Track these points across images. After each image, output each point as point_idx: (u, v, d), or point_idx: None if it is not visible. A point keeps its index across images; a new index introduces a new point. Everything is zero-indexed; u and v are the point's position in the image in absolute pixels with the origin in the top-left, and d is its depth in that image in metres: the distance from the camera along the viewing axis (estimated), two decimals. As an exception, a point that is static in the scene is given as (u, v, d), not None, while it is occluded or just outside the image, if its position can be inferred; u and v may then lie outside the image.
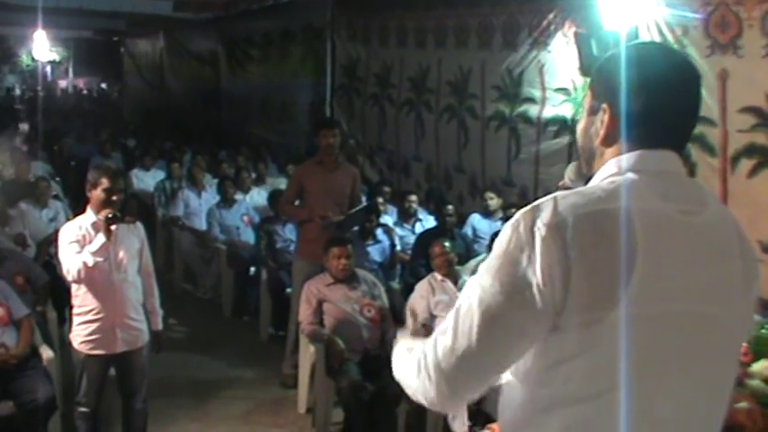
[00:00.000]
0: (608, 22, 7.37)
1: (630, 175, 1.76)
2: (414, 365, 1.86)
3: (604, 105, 1.83)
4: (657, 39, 6.94)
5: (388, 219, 9.13)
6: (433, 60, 10.74)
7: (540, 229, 1.67)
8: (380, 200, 9.28)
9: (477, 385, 1.83)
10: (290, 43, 14.90)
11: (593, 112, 1.89)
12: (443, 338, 1.78)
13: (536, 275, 1.66)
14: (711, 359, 1.77)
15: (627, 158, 1.79)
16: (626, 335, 1.65)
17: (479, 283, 1.74)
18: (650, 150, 1.79)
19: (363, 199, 7.92)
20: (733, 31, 6.36)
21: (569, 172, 2.33)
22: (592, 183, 1.84)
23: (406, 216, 9.19)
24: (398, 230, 8.84)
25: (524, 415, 1.80)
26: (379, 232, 8.37)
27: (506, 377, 1.86)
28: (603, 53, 7.76)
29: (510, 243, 1.71)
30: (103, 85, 38.71)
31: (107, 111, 29.11)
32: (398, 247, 8.56)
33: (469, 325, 1.73)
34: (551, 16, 8.52)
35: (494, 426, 3.81)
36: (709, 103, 6.32)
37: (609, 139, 1.83)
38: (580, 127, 1.95)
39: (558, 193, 1.74)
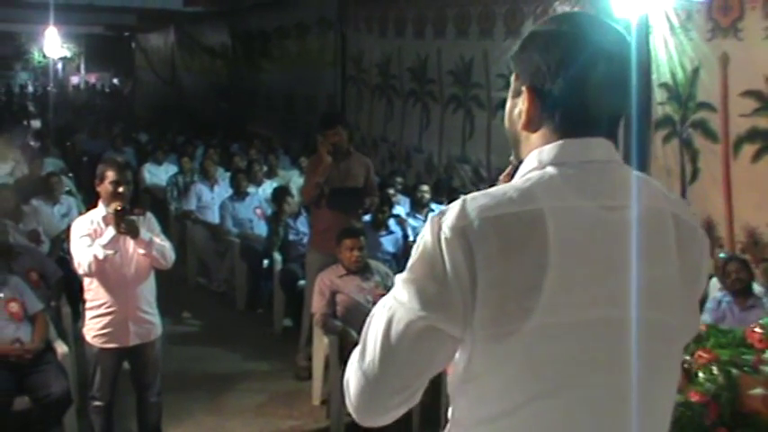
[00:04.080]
0: (618, 9, 7.33)
1: (549, 170, 1.60)
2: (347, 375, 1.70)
3: (524, 87, 1.67)
4: (664, 24, 6.91)
5: (401, 209, 9.11)
6: (432, 50, 10.76)
7: (446, 233, 1.53)
8: (392, 191, 9.25)
9: (391, 405, 1.65)
10: (305, 36, 14.90)
11: (516, 94, 1.72)
12: (356, 352, 1.66)
13: (440, 283, 1.53)
14: (646, 367, 1.60)
15: (548, 150, 1.63)
16: (539, 347, 1.53)
17: (392, 292, 1.62)
18: (574, 139, 1.63)
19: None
20: (735, 14, 6.31)
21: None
22: (515, 177, 1.68)
23: (418, 206, 9.18)
24: (411, 221, 8.82)
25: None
26: (392, 223, 8.37)
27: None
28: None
29: (420, 249, 1.58)
30: (115, 81, 38.76)
31: (119, 106, 29.15)
32: (411, 238, 8.55)
33: (374, 338, 1.60)
34: (557, 4, 8.48)
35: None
36: (709, 87, 6.28)
37: (532, 125, 1.67)
38: (506, 110, 1.77)
39: (468, 195, 1.58)
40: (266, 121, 16.51)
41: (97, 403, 5.14)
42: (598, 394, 1.57)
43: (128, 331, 5.08)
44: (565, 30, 1.65)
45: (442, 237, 1.53)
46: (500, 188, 1.60)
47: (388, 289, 5.65)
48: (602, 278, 1.56)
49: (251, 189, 10.07)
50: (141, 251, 5.01)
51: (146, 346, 5.19)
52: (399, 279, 1.61)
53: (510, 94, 1.75)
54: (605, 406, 1.59)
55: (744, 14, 6.24)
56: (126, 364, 5.29)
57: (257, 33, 17.08)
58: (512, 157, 1.86)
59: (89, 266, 4.84)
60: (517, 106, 1.71)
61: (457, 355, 1.60)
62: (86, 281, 5.07)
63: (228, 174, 10.78)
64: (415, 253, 1.59)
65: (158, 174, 12.54)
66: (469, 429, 1.64)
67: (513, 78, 1.74)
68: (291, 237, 8.62)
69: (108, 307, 5.02)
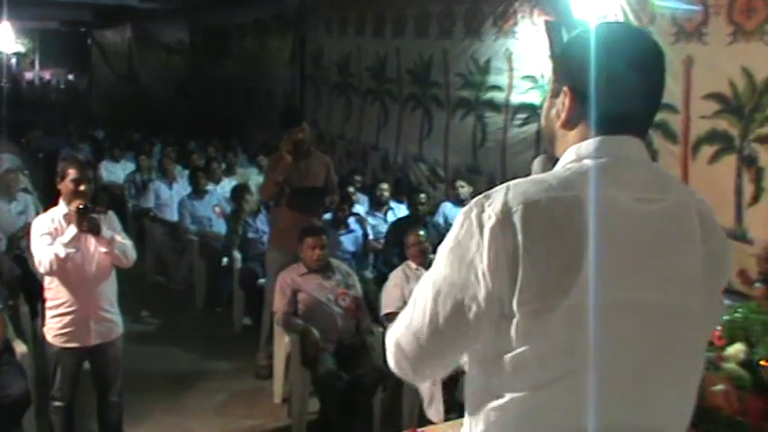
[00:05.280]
0: (578, 10, 7.42)
1: (587, 162, 1.74)
2: (388, 345, 1.89)
3: (565, 88, 1.81)
4: (623, 26, 7.00)
5: (360, 208, 9.12)
6: (391, 49, 10.80)
7: (490, 217, 1.66)
8: (351, 189, 9.26)
9: (436, 365, 1.88)
10: (264, 34, 14.86)
11: (555, 94, 1.86)
12: (402, 319, 1.83)
13: (482, 262, 1.66)
14: (669, 348, 1.75)
15: (586, 145, 1.77)
16: (576, 324, 1.65)
17: (434, 267, 1.76)
18: (610, 136, 1.77)
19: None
20: (699, 18, 6.41)
21: (536, 165, 2.31)
22: (554, 169, 1.82)
23: (377, 205, 9.22)
24: (370, 219, 8.85)
25: (482, 401, 1.79)
26: (352, 221, 8.38)
27: (465, 361, 1.87)
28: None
29: (461, 229, 1.71)
30: (70, 77, 38.31)
31: (74, 102, 28.84)
32: (371, 236, 8.57)
33: (423, 307, 1.76)
34: (517, 4, 8.56)
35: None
36: (672, 89, 6.37)
37: (570, 123, 1.82)
38: (543, 110, 1.93)
39: (511, 182, 1.73)
40: (224, 119, 16.41)
41: (57, 404, 5.10)
42: (625, 371, 1.71)
43: (89, 330, 5.04)
44: (604, 36, 1.80)
45: (486, 222, 1.67)
46: (541, 176, 1.76)
47: (348, 287, 5.67)
48: (632, 263, 1.70)
49: (210, 187, 10.02)
50: (103, 250, 4.97)
51: (107, 345, 5.15)
52: (442, 251, 1.75)
53: (548, 94, 1.89)
54: (631, 383, 1.72)
55: (708, 19, 6.33)
56: (86, 364, 5.24)
57: (216, 30, 17.00)
58: (532, 173, 2.00)
59: (50, 265, 4.79)
60: (555, 106, 1.86)
61: (494, 330, 1.71)
62: (47, 280, 5.03)
63: (187, 171, 10.74)
64: (456, 230, 1.72)
65: (116, 171, 12.47)
66: (501, 400, 1.74)
67: (551, 79, 1.90)
68: (251, 235, 8.60)
69: (69, 306, 4.98)
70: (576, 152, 1.78)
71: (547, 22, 7.94)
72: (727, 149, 6.25)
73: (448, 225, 8.63)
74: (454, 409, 5.96)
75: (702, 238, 1.78)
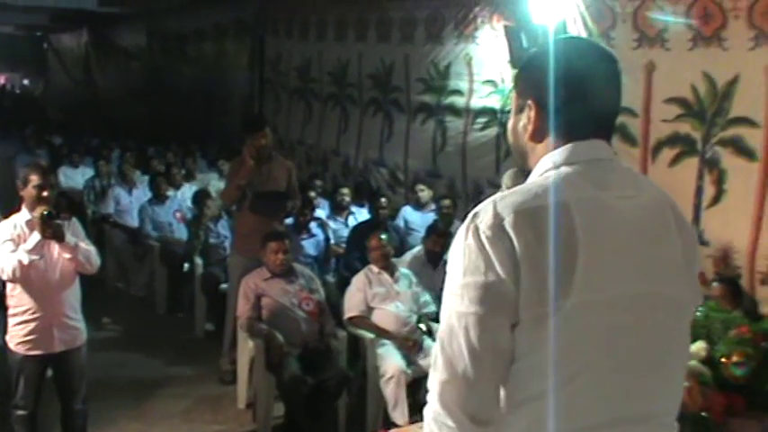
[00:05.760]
0: (536, 16, 7.50)
1: (564, 168, 1.82)
2: (429, 420, 1.80)
3: (530, 102, 1.89)
4: (584, 32, 7.09)
5: (321, 212, 9.14)
6: (353, 54, 10.82)
7: (486, 233, 1.71)
8: (313, 194, 9.27)
9: (492, 399, 1.78)
10: (222, 38, 14.81)
11: (519, 110, 1.94)
12: (439, 376, 1.77)
13: (497, 274, 1.69)
14: (662, 337, 1.84)
15: (559, 153, 1.85)
16: (578, 324, 1.71)
17: (450, 307, 1.76)
18: (580, 142, 1.84)
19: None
20: (660, 24, 6.52)
21: (506, 179, 2.41)
22: (529, 179, 1.88)
23: (338, 209, 9.22)
24: (331, 224, 8.86)
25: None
26: (314, 226, 8.38)
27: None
28: (533, 46, 7.94)
29: (465, 256, 1.74)
30: (25, 82, 37.87)
31: (30, 107, 28.50)
32: (332, 241, 8.58)
33: (459, 349, 1.73)
34: (477, 10, 8.63)
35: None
36: (632, 94, 6.47)
37: (537, 135, 1.89)
38: (509, 125, 2.00)
39: (496, 196, 1.79)
40: (183, 124, 16.32)
41: (20, 412, 5.03)
42: (627, 364, 1.77)
43: (53, 338, 5.00)
44: (563, 50, 1.89)
45: (483, 236, 1.72)
46: (524, 187, 1.81)
47: (312, 292, 5.68)
48: (622, 258, 1.77)
49: (170, 192, 9.98)
50: (67, 256, 4.94)
51: (71, 352, 5.11)
52: (454, 291, 1.76)
53: (513, 111, 1.97)
54: (632, 374, 1.78)
55: (668, 26, 6.44)
56: (49, 372, 5.19)
57: (174, 35, 16.91)
58: (503, 186, 2.05)
59: (13, 272, 4.75)
60: (521, 121, 1.93)
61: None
62: (9, 287, 4.98)
63: (146, 177, 10.68)
64: (459, 260, 1.75)
65: (74, 177, 12.35)
66: (515, 408, 1.76)
67: (513, 97, 1.97)
68: (212, 240, 8.60)
69: (32, 313, 4.94)
70: (552, 160, 1.85)
71: (506, 28, 8.00)
72: (689, 152, 6.37)
73: (408, 229, 8.72)
74: (418, 412, 6.00)
75: (678, 231, 1.88)
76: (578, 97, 1.84)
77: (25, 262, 4.74)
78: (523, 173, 1.98)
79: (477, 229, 1.73)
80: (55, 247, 4.93)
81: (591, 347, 1.73)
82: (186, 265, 8.80)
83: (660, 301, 1.82)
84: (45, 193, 4.87)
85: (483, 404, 1.75)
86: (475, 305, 1.71)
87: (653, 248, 1.82)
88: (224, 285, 7.76)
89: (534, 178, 1.86)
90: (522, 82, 1.95)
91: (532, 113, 1.88)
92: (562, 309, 1.69)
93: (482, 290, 1.71)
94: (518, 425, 1.76)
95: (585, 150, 1.84)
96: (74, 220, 5.21)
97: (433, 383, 1.79)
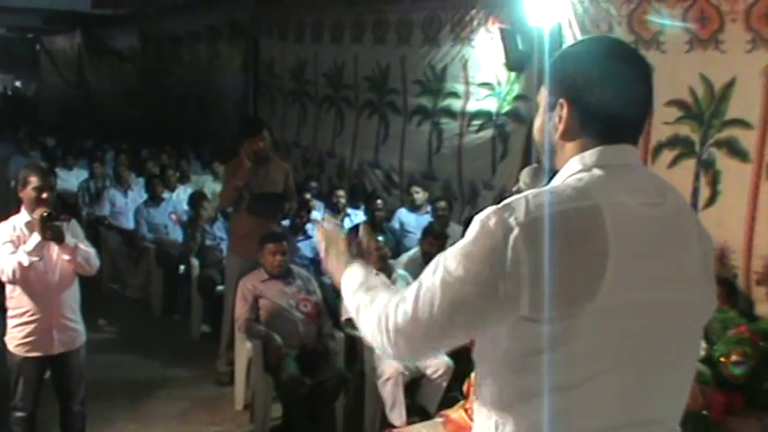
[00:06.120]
0: (532, 18, 7.52)
1: (597, 171, 1.83)
2: (374, 320, 1.91)
3: (562, 100, 1.88)
4: (580, 35, 7.11)
5: (316, 214, 9.14)
6: (349, 56, 10.83)
7: (513, 228, 1.72)
8: (308, 195, 9.28)
9: (432, 351, 1.97)
10: (217, 40, 14.79)
11: (550, 108, 1.93)
12: (404, 305, 1.84)
13: (503, 270, 1.71)
14: (680, 341, 1.87)
15: (590, 155, 1.86)
16: (602, 327, 1.73)
17: (444, 265, 1.80)
18: (611, 145, 1.86)
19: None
20: (656, 27, 6.55)
21: (524, 176, 2.42)
22: (557, 179, 1.90)
23: (334, 211, 9.21)
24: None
25: (511, 402, 1.84)
26: (310, 228, 8.39)
27: (476, 362, 1.94)
28: (528, 48, 7.96)
29: (479, 236, 1.76)
30: (18, 84, 37.77)
31: (22, 109, 28.42)
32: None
33: (430, 301, 1.79)
34: (473, 12, 8.64)
35: (447, 412, 3.90)
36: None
37: (569, 134, 1.89)
38: (537, 123, 2.01)
39: (528, 193, 1.79)
40: (184, 126, 16.30)
41: (19, 414, 5.03)
42: (644, 368, 1.80)
43: (52, 339, 5.00)
44: (596, 49, 1.93)
45: (509, 230, 1.73)
46: (557, 187, 1.84)
47: (309, 293, 5.69)
48: (647, 265, 1.79)
49: (165, 194, 9.98)
50: (66, 257, 4.94)
51: (70, 354, 5.12)
52: (454, 253, 1.79)
53: (541, 109, 1.97)
54: (648, 378, 1.81)
55: (664, 29, 6.47)
56: (48, 373, 5.18)
57: (168, 37, 16.87)
58: (521, 182, 2.08)
59: (13, 274, 4.75)
60: (551, 119, 1.93)
61: (517, 332, 1.78)
62: (8, 288, 4.97)
63: (140, 179, 10.68)
64: (474, 236, 1.77)
65: (69, 179, 12.31)
66: (531, 402, 1.79)
67: (543, 95, 1.96)
68: (208, 242, 8.60)
69: (31, 315, 4.95)
70: (582, 162, 1.86)
71: (502, 30, 8.03)
72: (687, 154, 6.41)
73: (403, 231, 8.73)
74: (414, 414, 6.03)
75: (698, 238, 1.92)
76: (612, 99, 1.85)
77: (25, 263, 4.74)
78: (542, 170, 1.99)
79: (504, 220, 1.74)
80: (54, 249, 4.93)
81: (611, 350, 1.76)
82: (182, 267, 8.80)
83: (680, 307, 1.85)
84: (44, 195, 4.87)
85: (423, 347, 1.90)
86: (465, 280, 1.76)
87: (675, 256, 1.85)
88: (220, 287, 7.76)
89: (564, 178, 1.87)
90: (554, 79, 1.94)
91: (564, 112, 1.88)
92: (587, 311, 1.71)
93: (477, 275, 1.75)
94: (533, 416, 1.79)
95: (616, 154, 1.86)
96: (73, 221, 5.21)
97: (401, 306, 1.85)
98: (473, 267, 1.75)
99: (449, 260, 1.80)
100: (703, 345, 4.54)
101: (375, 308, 1.93)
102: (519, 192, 2.31)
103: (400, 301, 1.86)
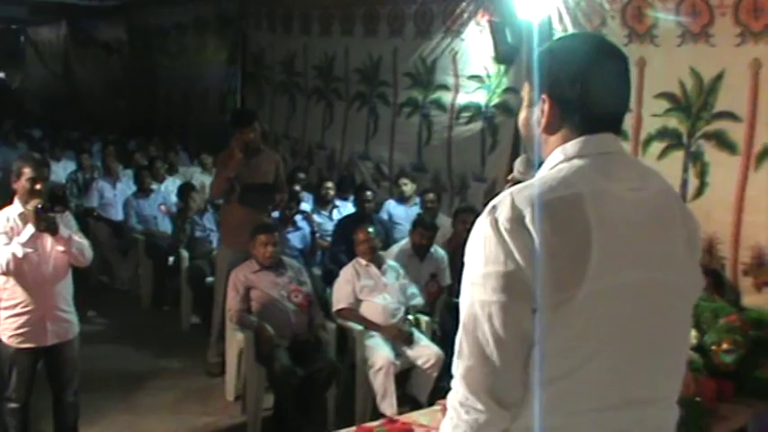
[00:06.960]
0: (521, 12, 7.54)
1: (577, 161, 1.90)
2: (451, 415, 1.87)
3: (544, 95, 1.96)
4: (572, 28, 7.15)
5: (305, 206, 9.16)
6: (340, 48, 10.81)
7: (504, 225, 1.79)
8: (297, 187, 9.29)
9: (517, 383, 1.83)
10: (204, 32, 14.75)
11: (532, 103, 2.01)
12: (465, 362, 1.84)
13: (517, 262, 1.77)
14: (670, 320, 1.93)
15: (571, 146, 1.93)
16: (592, 311, 1.78)
17: (473, 296, 1.83)
18: (591, 135, 1.93)
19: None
20: (650, 21, 6.59)
21: (518, 164, 2.48)
22: (541, 171, 1.95)
23: (323, 203, 9.25)
24: (316, 217, 8.88)
25: None
26: (299, 219, 8.42)
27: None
28: (517, 41, 7.98)
29: (485, 247, 1.81)
30: (1, 75, 37.56)
31: (7, 100, 28.27)
32: (318, 234, 8.61)
33: (484, 336, 1.80)
34: (464, 5, 8.66)
35: (444, 401, 3.92)
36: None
37: (551, 127, 1.97)
38: (521, 118, 2.07)
39: (512, 189, 1.86)
40: (170, 117, 16.25)
41: (12, 405, 5.04)
42: (637, 348, 1.86)
43: (45, 331, 5.02)
44: (577, 46, 1.98)
45: (502, 228, 1.79)
46: (539, 179, 1.89)
47: (300, 284, 5.71)
48: (633, 247, 1.85)
49: (154, 186, 9.99)
50: (60, 249, 4.95)
51: (63, 345, 5.13)
52: (475, 281, 1.82)
53: (524, 104, 2.04)
54: (642, 358, 1.87)
55: (658, 22, 6.51)
56: (41, 364, 5.20)
57: (155, 29, 16.80)
58: (515, 171, 2.15)
59: (7, 265, 4.76)
60: (534, 114, 2.01)
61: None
62: (2, 279, 4.96)
63: (128, 171, 10.67)
64: (479, 251, 1.82)
65: (56, 171, 12.23)
66: (533, 390, 1.82)
67: (526, 90, 2.04)
68: (198, 233, 8.62)
69: (25, 306, 4.95)
70: (563, 153, 1.93)
71: (491, 23, 8.05)
72: (675, 146, 6.45)
73: (392, 222, 8.76)
74: (406, 402, 6.07)
75: (682, 220, 1.98)
76: (592, 93, 1.91)
77: (19, 255, 4.75)
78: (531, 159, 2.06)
79: (495, 221, 1.80)
80: (48, 240, 4.94)
81: (603, 333, 1.81)
82: (171, 259, 8.81)
83: (666, 288, 1.90)
84: (38, 186, 4.87)
85: (509, 388, 1.82)
86: (497, 293, 1.78)
87: (659, 238, 1.91)
88: (210, 279, 7.78)
89: (546, 170, 1.93)
90: (537, 76, 2.00)
91: (546, 107, 1.96)
92: (576, 296, 1.76)
93: (503, 279, 1.78)
94: (532, 403, 1.82)
95: (596, 143, 1.93)
96: (66, 212, 5.20)
97: (459, 370, 1.85)
98: (495, 277, 1.79)
99: (473, 289, 1.83)
100: (695, 333, 4.60)
101: (448, 414, 1.90)
102: (514, 180, 2.37)
103: (457, 368, 1.86)
